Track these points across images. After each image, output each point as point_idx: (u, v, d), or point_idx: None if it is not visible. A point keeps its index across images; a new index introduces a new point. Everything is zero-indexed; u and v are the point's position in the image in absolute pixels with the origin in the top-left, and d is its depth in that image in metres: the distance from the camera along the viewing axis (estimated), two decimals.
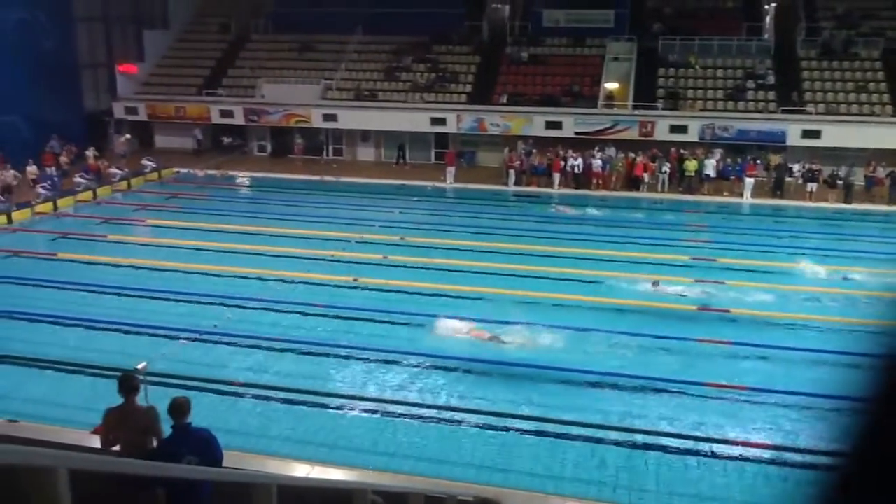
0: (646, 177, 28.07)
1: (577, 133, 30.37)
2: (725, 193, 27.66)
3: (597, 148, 29.30)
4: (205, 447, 6.29)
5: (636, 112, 30.47)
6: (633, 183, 28.24)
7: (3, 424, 9.97)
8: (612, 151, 29.30)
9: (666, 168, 28.01)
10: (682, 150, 28.75)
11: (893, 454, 0.85)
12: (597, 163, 28.34)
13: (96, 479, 2.68)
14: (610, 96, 31.83)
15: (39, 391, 12.12)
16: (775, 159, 28.55)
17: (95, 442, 7.39)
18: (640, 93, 31.15)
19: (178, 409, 6.44)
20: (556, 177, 28.50)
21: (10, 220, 22.83)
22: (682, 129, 29.75)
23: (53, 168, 27.79)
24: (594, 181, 28.41)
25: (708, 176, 27.80)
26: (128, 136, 32.34)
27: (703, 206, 26.45)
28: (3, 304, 15.79)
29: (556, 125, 30.66)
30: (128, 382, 6.98)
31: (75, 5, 33.78)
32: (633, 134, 30.06)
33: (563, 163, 28.40)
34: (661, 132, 29.89)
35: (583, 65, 33.45)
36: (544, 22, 34.91)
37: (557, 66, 33.68)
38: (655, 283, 17.02)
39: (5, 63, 29.07)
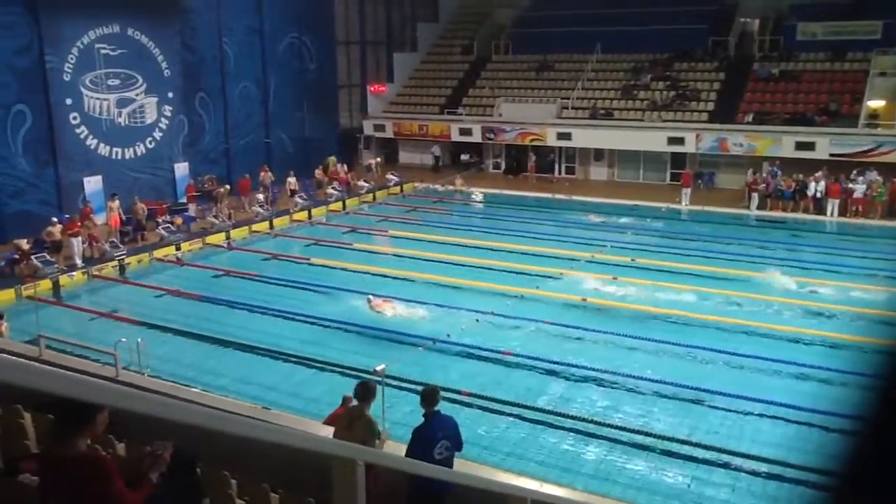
0: None
1: (832, 155, 27.88)
2: None
3: (855, 171, 26.73)
4: (454, 431, 6.92)
5: None
6: None
7: (259, 411, 10.96)
8: (873, 175, 26.58)
9: None
10: None
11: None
12: (859, 188, 25.84)
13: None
14: (873, 115, 28.90)
15: (278, 381, 13.28)
16: None
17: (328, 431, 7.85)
18: None
19: (432, 396, 7.03)
20: (833, 204, 25.91)
21: (271, 226, 25.35)
22: None
23: (335, 182, 29.88)
24: (853, 208, 25.95)
25: None
26: (378, 159, 34.51)
27: None
28: (259, 300, 17.55)
29: (808, 146, 28.36)
30: (363, 389, 7.12)
31: (337, 30, 36.87)
32: None
33: (841, 188, 26.00)
34: None
35: (841, 81, 30.78)
36: (798, 35, 32.60)
37: (811, 82, 31.29)
38: None
39: (276, 83, 32.34)
